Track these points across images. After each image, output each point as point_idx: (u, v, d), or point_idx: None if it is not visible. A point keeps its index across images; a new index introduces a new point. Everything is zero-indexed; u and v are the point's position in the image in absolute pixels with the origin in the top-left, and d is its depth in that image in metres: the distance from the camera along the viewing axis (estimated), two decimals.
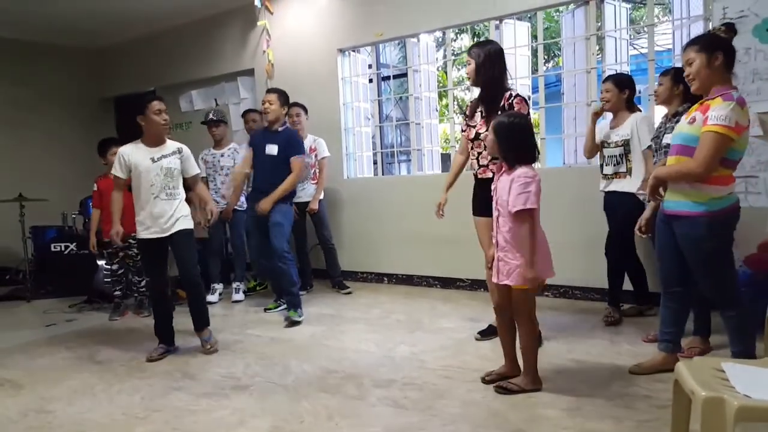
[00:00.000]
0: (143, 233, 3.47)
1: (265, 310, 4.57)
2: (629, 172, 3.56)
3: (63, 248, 5.45)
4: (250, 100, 6.37)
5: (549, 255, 2.68)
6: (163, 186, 3.44)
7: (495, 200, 2.69)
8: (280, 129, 4.26)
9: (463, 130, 3.44)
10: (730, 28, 2.55)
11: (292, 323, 4.09)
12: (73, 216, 5.86)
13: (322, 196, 5.06)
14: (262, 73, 6.06)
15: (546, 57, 10.27)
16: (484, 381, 2.80)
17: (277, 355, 3.42)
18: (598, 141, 3.72)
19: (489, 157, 3.18)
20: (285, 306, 4.40)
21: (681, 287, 2.70)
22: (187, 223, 3.54)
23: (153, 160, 3.45)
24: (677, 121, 2.92)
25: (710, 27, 3.84)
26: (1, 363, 3.56)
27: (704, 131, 2.35)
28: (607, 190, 3.69)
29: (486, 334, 3.54)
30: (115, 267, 4.67)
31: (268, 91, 4.35)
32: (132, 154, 3.46)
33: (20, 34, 6.80)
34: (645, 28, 4.92)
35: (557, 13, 8.96)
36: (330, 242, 5.13)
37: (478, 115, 3.27)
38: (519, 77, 4.85)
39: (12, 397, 2.97)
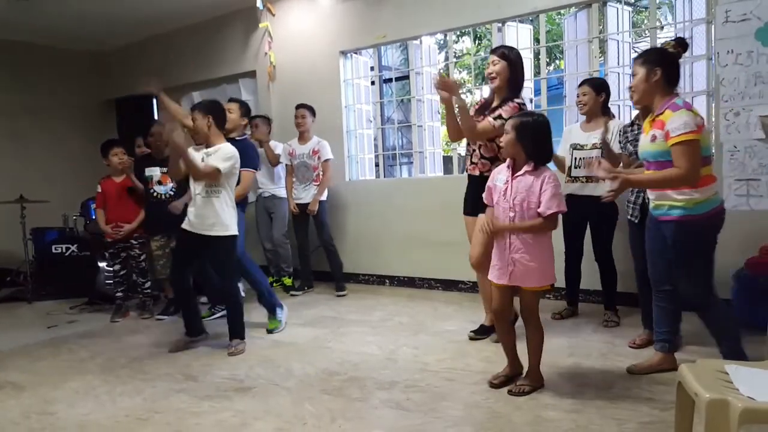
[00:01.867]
0: (184, 224, 3.55)
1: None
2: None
3: (64, 250, 5.45)
4: (252, 103, 6.37)
5: (553, 260, 2.69)
6: (203, 186, 3.46)
7: (510, 199, 2.62)
8: (237, 138, 4.10)
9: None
10: (680, 44, 2.65)
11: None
12: (74, 217, 5.86)
13: (324, 198, 5.07)
14: (264, 75, 6.07)
15: (548, 59, 10.27)
16: (493, 385, 2.77)
17: (279, 358, 3.42)
18: (570, 144, 3.80)
19: (479, 155, 3.30)
20: (218, 315, 4.31)
21: (672, 286, 2.73)
22: (221, 230, 3.47)
23: (202, 159, 3.48)
24: (639, 126, 3.10)
25: (712, 29, 3.86)
26: (3, 365, 3.56)
27: (672, 145, 2.44)
28: (581, 194, 3.70)
29: (479, 333, 3.59)
30: (117, 267, 4.68)
31: (230, 100, 4.31)
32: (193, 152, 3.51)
33: (22, 36, 6.81)
34: (647, 31, 4.93)
35: (559, 16, 8.97)
36: (331, 244, 5.13)
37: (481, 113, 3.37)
38: None
39: (14, 399, 2.97)
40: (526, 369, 2.79)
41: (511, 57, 3.29)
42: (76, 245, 5.46)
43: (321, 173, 5.05)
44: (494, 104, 3.35)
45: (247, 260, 4.07)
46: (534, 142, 2.59)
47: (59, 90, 7.41)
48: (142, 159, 4.75)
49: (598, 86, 3.70)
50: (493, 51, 3.41)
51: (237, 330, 3.64)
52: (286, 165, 5.19)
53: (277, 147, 5.26)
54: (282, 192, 5.30)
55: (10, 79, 6.93)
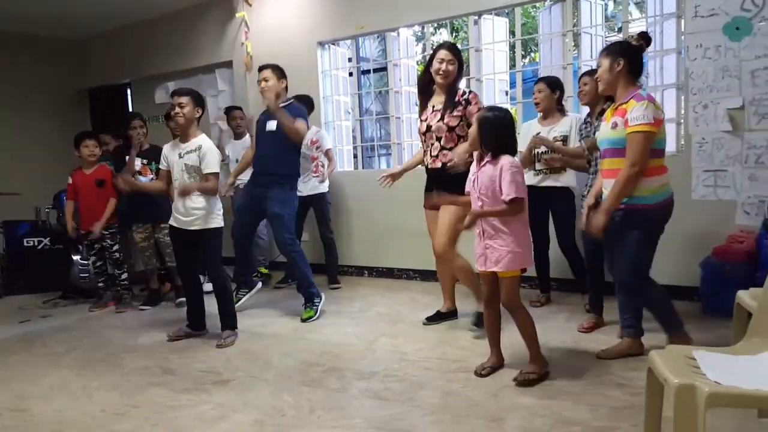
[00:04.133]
0: (171, 220, 3.65)
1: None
2: (564, 168, 3.75)
3: (36, 243, 5.35)
4: (228, 93, 6.31)
5: (530, 245, 2.78)
6: (183, 181, 3.53)
7: (476, 189, 2.72)
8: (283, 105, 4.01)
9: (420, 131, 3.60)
10: (643, 37, 2.73)
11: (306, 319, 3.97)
12: (47, 210, 5.73)
13: (326, 189, 5.04)
14: (241, 65, 6.01)
15: (523, 52, 10.35)
16: (480, 375, 2.82)
17: (258, 350, 3.42)
18: (529, 137, 3.84)
19: (439, 148, 3.39)
20: (244, 294, 4.31)
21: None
22: (205, 223, 3.52)
23: (179, 156, 3.54)
24: (589, 123, 3.27)
25: (682, 24, 3.94)
26: None
27: (629, 133, 2.55)
28: (542, 185, 3.81)
29: (433, 319, 3.73)
30: (94, 259, 4.64)
31: (263, 67, 4.12)
32: (168, 150, 3.66)
33: None
34: (619, 25, 5.00)
35: (534, 9, 9.03)
36: (330, 238, 5.11)
37: (429, 109, 3.47)
38: (497, 72, 4.90)
39: None
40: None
41: (461, 58, 3.41)
42: (48, 238, 5.36)
43: (320, 164, 4.99)
44: (439, 99, 3.44)
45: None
46: (493, 134, 2.67)
47: (30, 79, 7.22)
48: (122, 149, 4.68)
49: (553, 84, 3.84)
50: (449, 48, 3.40)
51: (229, 321, 3.65)
52: None
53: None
54: None
55: None
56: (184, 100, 3.45)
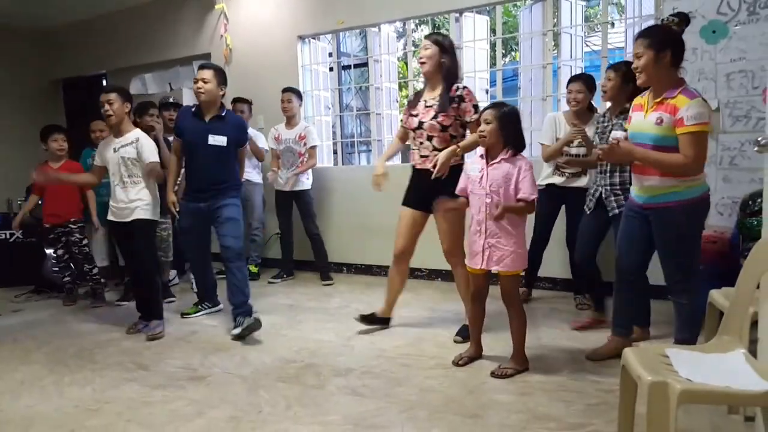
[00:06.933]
0: (109, 215, 3.76)
1: (183, 315, 4.05)
2: (585, 171, 3.70)
3: (8, 236, 5.23)
4: None
5: (525, 245, 2.79)
6: (120, 175, 3.62)
7: (486, 186, 2.69)
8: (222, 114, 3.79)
9: (402, 120, 3.45)
10: (683, 19, 2.55)
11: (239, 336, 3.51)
12: (19, 202, 5.61)
13: (309, 186, 5.01)
14: (220, 57, 5.92)
15: (504, 51, 10.40)
16: (456, 364, 2.90)
17: (235, 346, 3.39)
18: (558, 137, 3.72)
19: (431, 148, 3.20)
20: (205, 311, 4.11)
21: (637, 277, 2.84)
22: (143, 213, 3.62)
23: (114, 150, 3.61)
24: (624, 118, 2.99)
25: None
26: None
27: (686, 132, 2.39)
28: (562, 185, 3.77)
29: (367, 320, 3.58)
30: (60, 252, 4.55)
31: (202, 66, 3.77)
32: (102, 146, 3.75)
33: None
34: (599, 26, 5.06)
35: (515, 8, 9.09)
36: (316, 234, 5.07)
37: (421, 104, 3.27)
38: (477, 70, 4.91)
39: None
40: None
41: (444, 44, 3.20)
42: (21, 231, 5.24)
43: (306, 159, 4.96)
44: (431, 96, 3.24)
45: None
46: (515, 131, 2.69)
47: (3, 70, 7.04)
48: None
49: (591, 83, 3.65)
50: (427, 36, 3.27)
51: (157, 311, 3.70)
52: (272, 149, 5.06)
53: (259, 139, 5.16)
54: (256, 177, 5.21)
55: None
56: (109, 96, 3.54)
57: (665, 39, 2.48)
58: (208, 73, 3.67)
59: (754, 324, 2.02)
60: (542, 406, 2.44)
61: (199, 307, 4.13)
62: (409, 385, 2.71)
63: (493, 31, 5.11)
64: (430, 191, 3.10)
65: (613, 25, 4.79)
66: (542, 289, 4.38)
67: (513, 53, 11.22)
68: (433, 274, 4.94)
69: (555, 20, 4.54)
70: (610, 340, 2.96)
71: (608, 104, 3.35)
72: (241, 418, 2.44)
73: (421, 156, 3.26)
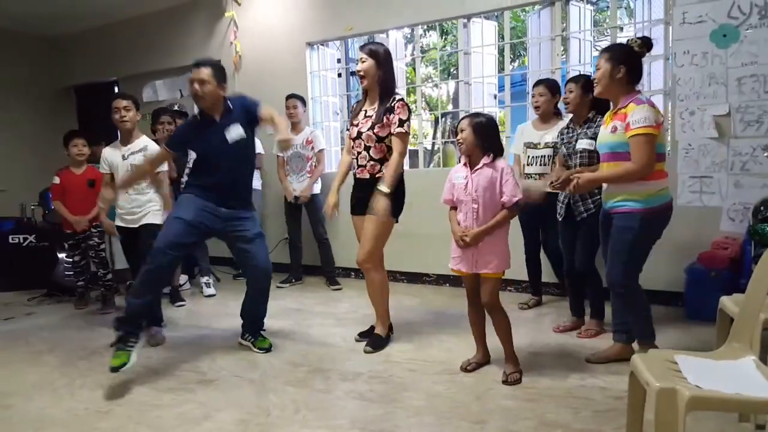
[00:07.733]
0: (117, 221, 3.86)
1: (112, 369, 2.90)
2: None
3: (21, 240, 5.30)
4: None
5: (508, 248, 2.80)
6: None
7: (472, 192, 2.72)
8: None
9: (347, 130, 3.48)
10: (645, 43, 2.71)
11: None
12: (32, 207, 5.69)
13: (318, 191, 5.02)
14: (230, 64, 5.97)
15: (512, 56, 10.39)
16: (464, 370, 2.90)
17: (243, 350, 3.40)
18: (523, 142, 3.87)
19: (368, 157, 3.25)
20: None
21: (631, 285, 2.80)
22: (154, 218, 3.75)
23: (123, 158, 3.73)
24: (588, 127, 3.23)
25: (670, 30, 3.98)
26: None
27: (632, 136, 2.55)
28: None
29: (365, 336, 3.47)
30: (77, 258, 4.59)
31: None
32: (109, 153, 3.83)
33: None
34: (608, 30, 5.05)
35: (524, 13, 9.08)
36: (324, 237, 5.09)
37: (361, 114, 3.31)
38: (486, 76, 4.92)
39: None
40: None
41: (379, 54, 3.18)
42: (34, 235, 5.31)
43: (315, 163, 4.99)
44: (371, 106, 3.27)
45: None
46: (490, 137, 2.73)
47: (16, 76, 7.15)
48: None
49: (554, 87, 3.78)
50: (362, 48, 3.26)
51: (155, 316, 3.69)
52: (278, 157, 5.09)
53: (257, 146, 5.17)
54: (256, 183, 5.23)
55: None
56: (123, 103, 3.67)
57: (623, 56, 2.67)
58: (206, 73, 3.09)
59: (766, 331, 2.00)
60: (550, 412, 2.43)
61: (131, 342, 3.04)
62: (415, 390, 2.71)
63: (501, 36, 5.11)
64: (370, 198, 3.17)
65: (622, 29, 4.75)
66: (550, 294, 4.36)
67: (521, 58, 11.20)
68: (441, 280, 4.94)
69: (564, 25, 4.54)
70: (612, 344, 3.01)
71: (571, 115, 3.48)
72: (249, 421, 2.45)
73: (360, 166, 3.30)
